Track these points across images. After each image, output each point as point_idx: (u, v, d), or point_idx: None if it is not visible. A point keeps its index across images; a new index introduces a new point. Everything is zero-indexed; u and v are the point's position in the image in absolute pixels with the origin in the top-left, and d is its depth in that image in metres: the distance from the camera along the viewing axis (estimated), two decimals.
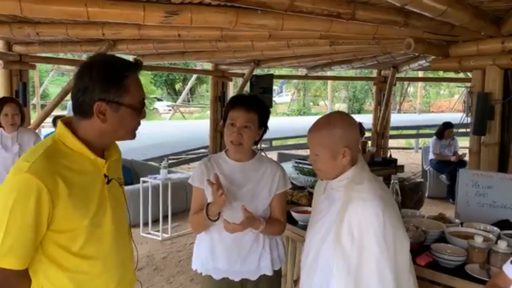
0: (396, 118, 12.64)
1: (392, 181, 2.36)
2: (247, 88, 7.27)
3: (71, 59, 6.19)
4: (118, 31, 3.42)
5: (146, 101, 1.40)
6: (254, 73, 6.99)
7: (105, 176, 1.34)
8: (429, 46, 3.27)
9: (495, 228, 2.17)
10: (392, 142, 11.87)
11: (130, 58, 6.17)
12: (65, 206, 1.20)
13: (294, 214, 2.40)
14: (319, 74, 7.93)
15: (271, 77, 7.19)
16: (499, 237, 2.06)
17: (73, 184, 1.22)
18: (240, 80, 7.21)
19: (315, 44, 3.87)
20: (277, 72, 8.73)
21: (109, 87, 1.24)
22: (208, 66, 7.39)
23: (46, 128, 8.85)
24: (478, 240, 1.82)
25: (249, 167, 1.97)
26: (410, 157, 11.39)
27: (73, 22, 3.43)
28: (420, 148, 9.83)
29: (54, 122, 5.33)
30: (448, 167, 6.75)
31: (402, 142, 13.46)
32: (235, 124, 1.89)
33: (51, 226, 1.20)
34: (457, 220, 2.34)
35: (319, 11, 2.35)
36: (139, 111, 1.31)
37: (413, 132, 12.82)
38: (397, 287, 1.39)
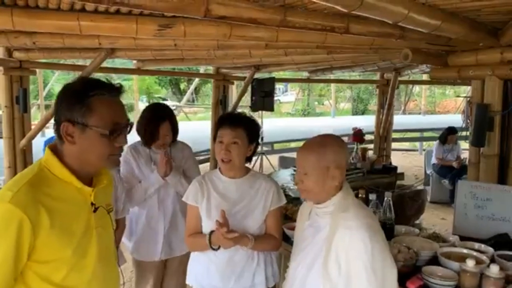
0: (399, 121, 12.56)
1: (385, 198, 2.32)
2: (248, 92, 7.26)
3: (72, 64, 6.20)
4: (114, 41, 3.41)
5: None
6: (256, 76, 6.97)
7: (92, 204, 1.32)
8: (427, 57, 3.23)
9: (490, 249, 2.13)
10: (395, 144, 11.81)
11: (132, 63, 6.18)
12: (47, 237, 1.18)
13: (286, 231, 2.37)
14: (322, 77, 7.89)
15: (272, 81, 7.16)
16: (493, 259, 2.02)
17: (56, 214, 1.20)
18: (242, 83, 7.17)
19: (312, 53, 3.84)
20: (280, 74, 8.72)
21: (72, 107, 1.22)
22: (210, 68, 7.35)
23: (50, 129, 8.89)
24: (470, 264, 1.79)
25: (243, 183, 1.98)
26: (414, 159, 11.31)
27: (69, 32, 3.42)
28: (424, 150, 9.76)
29: None
30: (450, 171, 6.70)
31: (406, 144, 13.38)
32: (223, 142, 1.91)
33: (32, 256, 1.19)
34: (451, 238, 2.30)
35: (312, 26, 2.32)
36: (108, 135, 1.24)
37: (417, 135, 12.73)
38: None
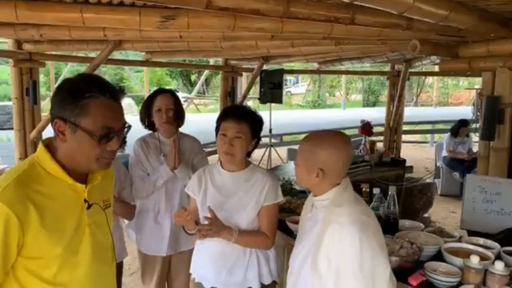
0: (410, 113, 12.40)
1: (390, 191, 2.29)
2: (257, 84, 7.22)
3: (81, 56, 6.22)
4: (119, 33, 3.40)
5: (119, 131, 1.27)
6: (266, 68, 6.92)
7: (85, 201, 1.29)
8: (436, 47, 3.16)
9: (496, 244, 2.09)
10: (406, 137, 11.67)
11: (141, 55, 6.18)
12: (37, 234, 1.17)
13: (289, 224, 2.36)
14: (332, 68, 7.81)
15: (281, 72, 7.10)
16: (498, 255, 1.98)
17: (46, 211, 1.18)
18: (251, 75, 7.13)
19: (320, 44, 3.79)
20: (291, 65, 8.62)
21: (65, 104, 1.19)
22: (220, 60, 7.32)
23: None
24: (474, 261, 1.75)
25: (240, 177, 1.98)
26: (425, 152, 11.18)
27: (72, 24, 3.42)
28: (435, 142, 9.63)
29: None
30: (461, 164, 6.61)
31: (417, 136, 13.22)
32: (226, 135, 1.90)
33: (22, 253, 1.18)
34: (456, 234, 2.26)
35: (316, 17, 2.28)
36: (98, 139, 1.21)
37: (429, 127, 12.56)
38: None
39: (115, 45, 4.41)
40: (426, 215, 4.69)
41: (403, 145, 9.11)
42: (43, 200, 1.19)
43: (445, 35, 2.95)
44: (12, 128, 5.46)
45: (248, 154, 2.02)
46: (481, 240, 2.14)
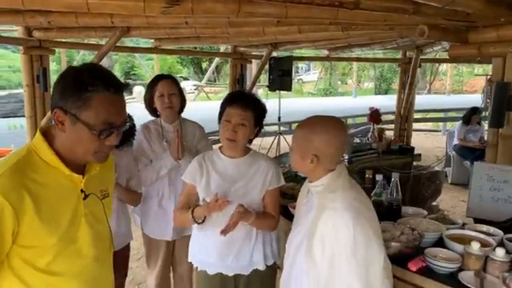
0: (422, 101, 12.23)
1: (392, 178, 2.28)
2: (267, 71, 7.18)
3: (91, 43, 6.25)
4: (125, 20, 3.41)
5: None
6: (275, 55, 6.87)
7: (82, 191, 1.28)
8: (444, 33, 3.09)
9: (499, 231, 2.07)
10: (418, 125, 11.54)
11: (150, 42, 6.18)
12: (31, 222, 1.16)
13: (292, 210, 2.37)
14: (342, 55, 7.72)
15: (290, 59, 7.05)
16: (501, 242, 1.97)
17: (41, 200, 1.17)
18: (260, 62, 7.10)
19: (326, 29, 3.74)
20: (302, 52, 8.54)
21: (67, 95, 1.17)
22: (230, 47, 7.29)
23: None
24: (475, 247, 1.74)
25: (242, 163, 1.99)
26: (436, 140, 11.06)
27: (82, 11, 3.43)
28: (447, 131, 9.51)
29: None
30: (472, 153, 6.52)
31: (429, 124, 13.07)
32: (230, 121, 1.90)
33: (16, 241, 1.17)
34: (459, 221, 2.25)
35: (319, 1, 2.25)
36: (98, 134, 1.19)
37: (441, 115, 12.39)
38: None
39: (123, 32, 4.42)
40: (434, 203, 4.66)
41: (414, 134, 9.02)
42: (38, 189, 1.17)
43: (453, 20, 2.89)
44: (23, 116, 5.55)
45: (250, 141, 2.02)
46: (484, 227, 2.12)
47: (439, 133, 12.00)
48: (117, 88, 1.21)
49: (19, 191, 1.14)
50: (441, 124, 12.38)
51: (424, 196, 4.37)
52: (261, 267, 1.99)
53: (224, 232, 1.80)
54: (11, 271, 1.21)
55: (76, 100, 1.16)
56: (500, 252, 1.71)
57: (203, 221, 1.90)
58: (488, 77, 3.35)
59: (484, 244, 1.86)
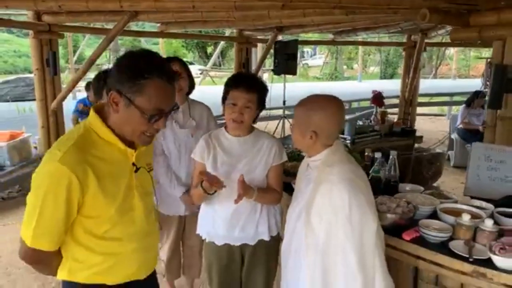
0: (428, 85, 12.21)
1: (390, 156, 2.39)
2: (271, 55, 7.21)
3: (99, 28, 6.32)
4: (134, 4, 3.49)
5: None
6: (280, 39, 6.89)
7: (133, 164, 1.38)
8: (446, 16, 3.15)
9: (490, 205, 2.18)
10: (424, 109, 11.56)
11: (156, 27, 6.25)
12: (94, 194, 1.26)
13: (294, 186, 2.49)
14: (347, 39, 7.73)
15: (295, 43, 7.07)
16: (492, 215, 2.08)
17: (101, 174, 1.27)
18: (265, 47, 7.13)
19: (330, 13, 3.81)
20: (309, 36, 8.53)
21: (125, 81, 1.24)
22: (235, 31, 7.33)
23: (83, 93, 9.22)
24: (466, 218, 1.86)
25: (247, 141, 2.09)
26: (441, 124, 11.10)
27: None
28: (452, 115, 9.54)
29: (88, 87, 5.44)
30: (475, 136, 6.56)
31: (435, 109, 13.08)
32: (236, 104, 1.97)
33: (80, 211, 1.29)
34: (454, 196, 2.36)
35: None
36: (148, 118, 1.28)
37: (446, 99, 12.38)
38: (361, 266, 1.49)
39: (131, 17, 4.51)
40: (435, 184, 4.76)
41: (419, 118, 9.06)
42: (99, 163, 1.27)
43: (455, 3, 2.95)
44: (33, 100, 5.66)
45: (253, 121, 2.10)
46: (477, 202, 2.23)
47: (444, 117, 12.02)
48: (170, 77, 1.29)
49: (83, 165, 1.24)
50: (446, 108, 12.39)
51: (424, 177, 4.48)
52: (266, 237, 2.11)
53: (236, 200, 1.90)
54: (72, 238, 1.34)
55: (132, 85, 1.24)
56: (488, 223, 1.82)
57: (215, 192, 1.98)
58: (489, 60, 3.42)
59: (475, 216, 1.97)
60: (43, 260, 1.33)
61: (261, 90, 2.02)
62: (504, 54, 3.17)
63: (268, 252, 2.16)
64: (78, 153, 1.24)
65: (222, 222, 2.10)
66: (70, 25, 5.53)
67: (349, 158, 1.66)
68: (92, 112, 1.33)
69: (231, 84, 2.01)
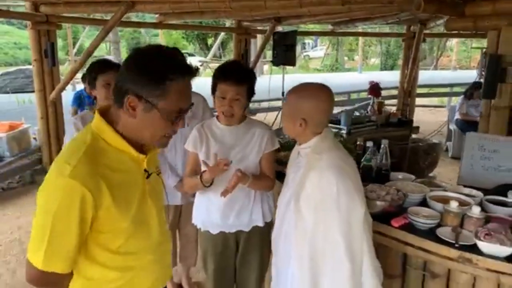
0: (427, 76, 12.18)
1: (382, 145, 2.42)
2: (269, 46, 7.20)
3: (97, 19, 6.32)
4: None
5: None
6: (281, 29, 6.87)
7: (145, 171, 1.29)
8: (441, 6, 3.16)
9: (479, 193, 2.21)
10: (423, 100, 11.55)
11: (155, 18, 6.23)
12: (108, 208, 1.17)
13: None
14: (347, 30, 7.72)
15: (294, 34, 7.05)
16: (481, 203, 2.11)
17: (115, 185, 1.17)
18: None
19: (327, 3, 3.81)
20: (310, 27, 8.51)
21: (145, 85, 1.14)
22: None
23: (81, 85, 9.22)
24: (453, 205, 1.89)
25: (239, 130, 2.11)
26: (440, 115, 11.08)
27: None
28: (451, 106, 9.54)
29: (84, 78, 5.42)
30: (473, 127, 6.56)
31: (435, 100, 13.06)
32: (225, 98, 1.98)
33: (93, 226, 1.18)
34: (444, 184, 2.39)
35: None
36: (171, 120, 1.20)
37: (446, 90, 12.37)
38: (348, 251, 1.52)
39: (128, 7, 4.51)
40: (431, 174, 4.79)
41: (419, 109, 9.04)
42: (111, 174, 1.17)
43: None
44: (32, 91, 5.69)
45: (244, 109, 2.11)
46: (466, 190, 2.26)
47: (444, 109, 12.01)
48: (191, 75, 1.21)
49: (96, 178, 1.13)
50: (446, 99, 12.37)
51: (421, 168, 4.50)
52: (260, 223, 2.15)
53: (224, 193, 1.95)
54: (84, 255, 1.23)
55: (153, 89, 1.14)
56: (475, 210, 1.85)
57: (211, 184, 2.02)
58: (484, 50, 3.42)
59: (463, 204, 2.00)
60: (56, 283, 1.22)
61: (250, 80, 2.02)
62: (498, 44, 3.18)
63: (262, 238, 2.19)
64: (89, 165, 1.13)
65: (217, 211, 2.13)
66: (67, 15, 5.53)
67: (338, 145, 1.69)
68: (98, 117, 1.21)
69: (219, 77, 1.99)
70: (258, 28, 7.37)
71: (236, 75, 1.97)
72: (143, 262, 1.31)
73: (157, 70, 1.13)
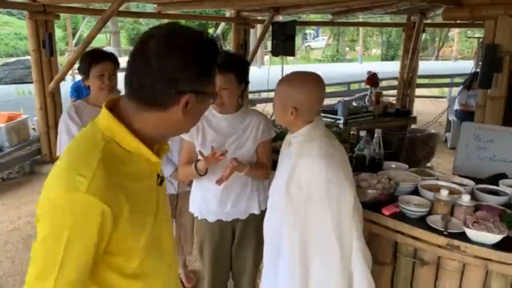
0: (428, 66, 12.12)
1: (375, 134, 2.42)
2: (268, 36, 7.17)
3: (94, 9, 6.29)
4: None
5: None
6: (281, 19, 6.84)
7: (158, 176, 1.10)
8: None
9: (471, 182, 2.23)
10: (424, 91, 11.51)
11: (153, 7, 6.21)
12: (124, 226, 0.97)
13: None
14: (346, 20, 7.67)
15: (293, 24, 7.02)
16: (472, 191, 2.13)
17: (133, 197, 0.98)
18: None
19: None
20: (312, 17, 8.47)
21: (199, 77, 0.99)
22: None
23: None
24: (444, 193, 1.91)
25: (235, 118, 2.12)
26: (440, 106, 11.05)
27: None
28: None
29: (80, 69, 5.41)
30: (472, 117, 6.56)
31: (435, 91, 13.03)
32: None
33: (106, 248, 0.97)
34: (436, 174, 2.41)
35: None
36: (212, 102, 1.10)
37: (447, 81, 12.33)
38: (338, 237, 1.55)
39: None
40: (428, 164, 4.80)
41: (419, 100, 9.02)
42: (129, 184, 0.98)
43: None
44: (31, 82, 5.69)
45: (240, 97, 2.12)
46: (458, 179, 2.28)
47: (444, 99, 11.99)
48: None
49: (115, 191, 0.94)
50: (446, 90, 12.34)
51: (417, 158, 4.51)
52: (257, 211, 2.17)
53: (219, 182, 1.96)
54: (93, 281, 1.01)
55: (207, 79, 1.03)
56: (465, 198, 1.87)
57: (205, 173, 2.05)
58: (481, 40, 3.41)
59: (454, 192, 2.02)
60: None
61: (237, 67, 2.01)
62: (495, 33, 3.17)
63: (258, 226, 2.20)
64: (108, 177, 0.93)
65: (214, 199, 2.14)
66: (65, 5, 5.51)
67: (328, 133, 1.71)
68: (107, 115, 1.00)
69: None
70: (258, 18, 7.33)
71: (221, 65, 1.96)
72: (156, 285, 1.11)
73: (208, 61, 1.01)
